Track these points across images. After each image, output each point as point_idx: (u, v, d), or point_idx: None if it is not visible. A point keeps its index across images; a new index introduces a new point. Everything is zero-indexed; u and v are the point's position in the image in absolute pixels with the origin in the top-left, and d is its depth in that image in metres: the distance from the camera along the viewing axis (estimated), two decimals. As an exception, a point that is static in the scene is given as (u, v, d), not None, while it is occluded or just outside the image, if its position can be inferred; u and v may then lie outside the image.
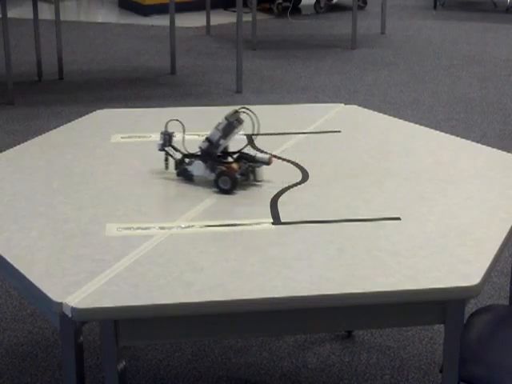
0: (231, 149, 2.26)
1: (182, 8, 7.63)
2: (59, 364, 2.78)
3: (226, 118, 2.19)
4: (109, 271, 1.79)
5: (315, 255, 1.86)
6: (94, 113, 2.76)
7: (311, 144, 2.53)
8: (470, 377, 1.92)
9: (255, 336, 2.82)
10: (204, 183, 2.22)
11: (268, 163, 2.22)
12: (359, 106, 2.94)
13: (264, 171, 2.27)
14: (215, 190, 2.19)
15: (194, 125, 2.67)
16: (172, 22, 6.01)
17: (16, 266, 1.81)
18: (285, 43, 6.99)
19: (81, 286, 1.73)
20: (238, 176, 2.19)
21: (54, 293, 1.70)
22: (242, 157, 2.23)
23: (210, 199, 2.15)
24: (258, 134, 2.27)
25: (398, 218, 2.05)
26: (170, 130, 2.29)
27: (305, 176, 2.30)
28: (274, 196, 2.17)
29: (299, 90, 5.72)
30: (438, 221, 2.04)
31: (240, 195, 2.17)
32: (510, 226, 2.02)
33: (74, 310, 1.65)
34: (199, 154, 2.21)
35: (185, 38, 7.08)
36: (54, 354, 2.84)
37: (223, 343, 2.89)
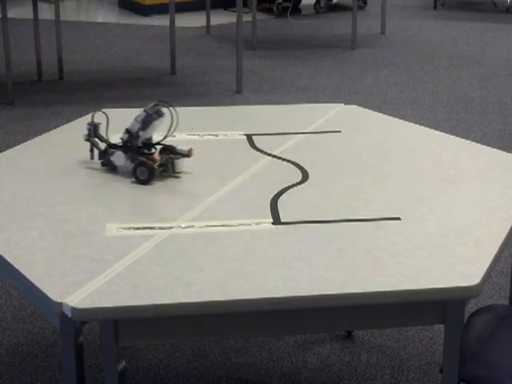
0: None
1: (182, 8, 7.62)
2: (59, 364, 2.78)
3: (145, 111, 2.25)
4: (109, 271, 1.79)
5: (315, 255, 1.86)
6: (94, 113, 2.76)
7: (311, 144, 2.53)
8: (470, 377, 1.92)
9: (255, 336, 2.82)
10: (127, 173, 2.26)
11: (188, 155, 2.28)
12: (359, 105, 2.94)
13: (184, 163, 2.30)
14: (133, 180, 2.23)
15: (194, 125, 2.67)
16: (172, 22, 6.01)
17: (16, 266, 1.81)
18: (285, 43, 6.99)
19: (81, 286, 1.73)
20: (156, 167, 2.24)
21: (54, 293, 1.70)
22: (166, 148, 2.29)
23: (209, 199, 2.15)
24: (174, 131, 2.31)
25: (398, 218, 2.05)
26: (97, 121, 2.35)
27: (305, 176, 2.30)
28: (274, 196, 2.17)
29: (299, 90, 5.72)
30: (438, 221, 2.04)
31: (240, 195, 2.17)
32: (510, 226, 2.02)
33: (74, 310, 1.65)
34: (121, 144, 2.27)
35: (185, 38, 7.08)
36: (53, 354, 2.84)
37: (223, 343, 2.89)
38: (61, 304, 1.67)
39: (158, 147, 2.29)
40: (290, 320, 1.78)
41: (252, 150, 2.48)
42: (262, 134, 2.60)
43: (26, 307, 3.12)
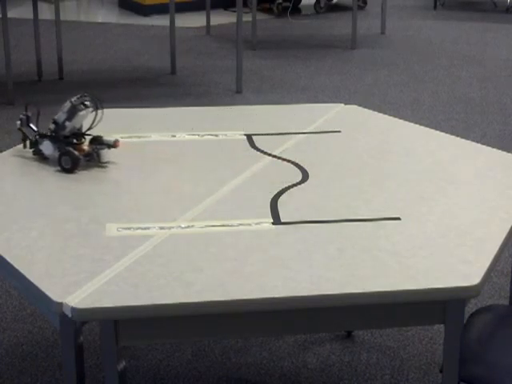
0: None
1: (182, 8, 7.62)
2: (59, 364, 2.78)
3: (70, 101, 2.32)
4: (109, 271, 1.79)
5: (315, 255, 1.86)
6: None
7: (311, 144, 2.53)
8: (470, 377, 1.92)
9: (255, 336, 2.82)
10: (55, 162, 2.32)
11: (114, 146, 2.34)
12: (359, 105, 2.94)
13: (110, 154, 2.36)
14: (58, 168, 2.29)
15: (194, 125, 2.67)
16: (172, 22, 6.01)
17: (16, 266, 1.81)
18: (285, 43, 6.99)
19: (81, 286, 1.73)
20: (81, 157, 2.30)
21: (54, 293, 1.70)
22: (95, 139, 2.36)
23: (209, 199, 2.15)
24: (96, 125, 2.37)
25: (398, 218, 2.05)
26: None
27: (305, 176, 2.30)
28: (274, 196, 2.17)
29: (299, 90, 5.72)
30: (438, 221, 2.04)
31: (240, 195, 2.17)
32: (510, 226, 2.02)
33: (74, 310, 1.65)
34: (49, 134, 2.34)
35: (185, 38, 7.08)
36: (54, 354, 2.84)
37: (223, 343, 2.89)
38: (61, 304, 1.67)
39: (88, 138, 2.35)
40: (290, 320, 1.78)
41: (252, 149, 2.48)
42: (262, 134, 2.60)
43: (26, 307, 3.12)
